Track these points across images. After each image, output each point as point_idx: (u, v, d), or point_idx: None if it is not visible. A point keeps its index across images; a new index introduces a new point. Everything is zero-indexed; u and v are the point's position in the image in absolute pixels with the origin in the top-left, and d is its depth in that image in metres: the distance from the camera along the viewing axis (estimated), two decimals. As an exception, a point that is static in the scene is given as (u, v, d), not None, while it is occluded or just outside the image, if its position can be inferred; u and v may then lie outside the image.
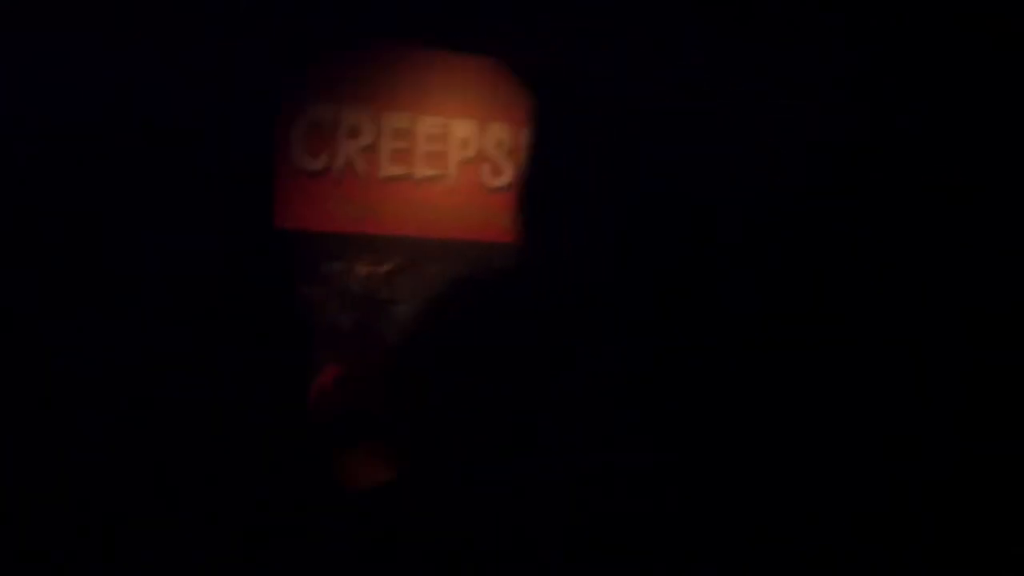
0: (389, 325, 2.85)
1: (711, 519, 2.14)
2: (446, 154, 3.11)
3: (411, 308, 2.87)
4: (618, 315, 2.86)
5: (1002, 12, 2.70)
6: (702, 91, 2.87)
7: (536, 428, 2.46)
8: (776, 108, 2.86)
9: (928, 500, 2.19)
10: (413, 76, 3.08)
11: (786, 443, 2.36)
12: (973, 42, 2.71)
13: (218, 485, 2.32)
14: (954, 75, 2.76)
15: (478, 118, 3.08)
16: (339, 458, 2.35)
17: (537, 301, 2.84)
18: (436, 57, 3.07)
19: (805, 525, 2.13)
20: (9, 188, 2.74)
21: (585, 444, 2.40)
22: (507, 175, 3.10)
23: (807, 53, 2.80)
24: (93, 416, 2.45)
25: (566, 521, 2.18)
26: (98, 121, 2.76)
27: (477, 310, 2.75)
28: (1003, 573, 2.04)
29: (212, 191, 2.84)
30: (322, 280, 2.95)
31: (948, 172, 2.80)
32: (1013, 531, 2.12)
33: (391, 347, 2.71)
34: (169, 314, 2.70)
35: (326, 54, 3.03)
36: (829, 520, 2.13)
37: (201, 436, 2.43)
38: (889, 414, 2.44)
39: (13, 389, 2.52)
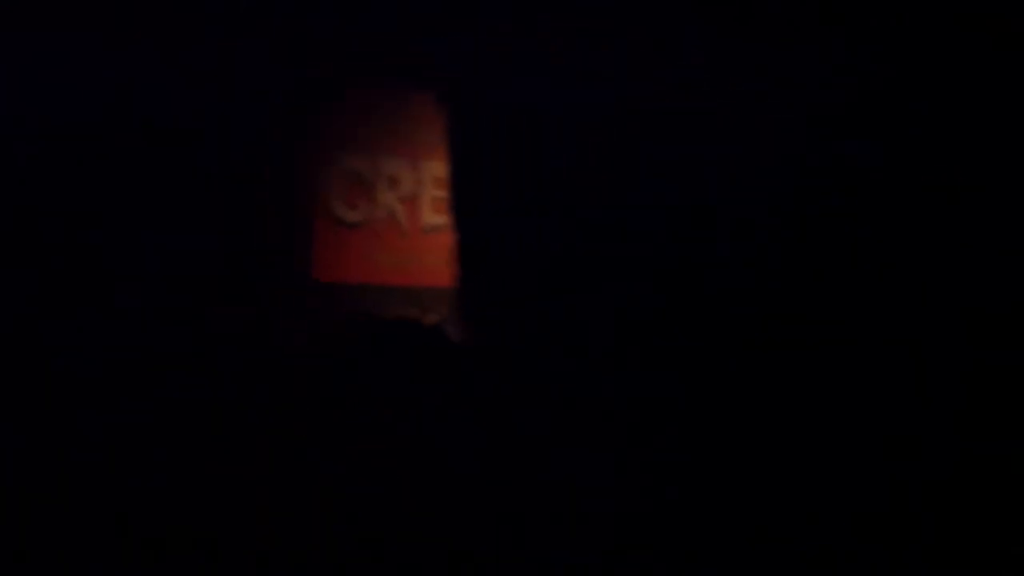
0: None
1: (711, 519, 2.14)
2: (488, 202, 3.08)
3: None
4: (616, 316, 2.86)
5: (1002, 12, 2.70)
6: (702, 91, 2.87)
7: (537, 431, 2.46)
8: (776, 108, 2.86)
9: (928, 500, 2.19)
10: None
11: (786, 443, 2.36)
12: (973, 42, 2.70)
13: (218, 485, 2.32)
14: (954, 75, 2.76)
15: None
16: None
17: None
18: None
19: (805, 525, 2.13)
20: (9, 188, 2.73)
21: (586, 446, 2.40)
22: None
23: (807, 53, 2.79)
24: (93, 416, 2.45)
25: (566, 521, 2.18)
26: (98, 121, 2.76)
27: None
28: (1003, 573, 2.04)
29: (211, 191, 2.84)
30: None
31: (948, 172, 2.80)
32: (1013, 531, 2.12)
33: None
34: (169, 314, 2.70)
35: (361, 104, 3.01)
36: (829, 520, 2.13)
37: (201, 436, 2.43)
38: (889, 414, 2.44)
39: (13, 389, 2.51)
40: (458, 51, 2.98)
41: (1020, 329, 2.65)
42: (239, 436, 2.41)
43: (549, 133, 2.98)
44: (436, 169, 3.03)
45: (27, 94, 2.74)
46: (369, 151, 3.08)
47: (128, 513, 2.27)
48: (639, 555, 2.10)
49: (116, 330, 2.64)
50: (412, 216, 3.10)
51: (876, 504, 2.17)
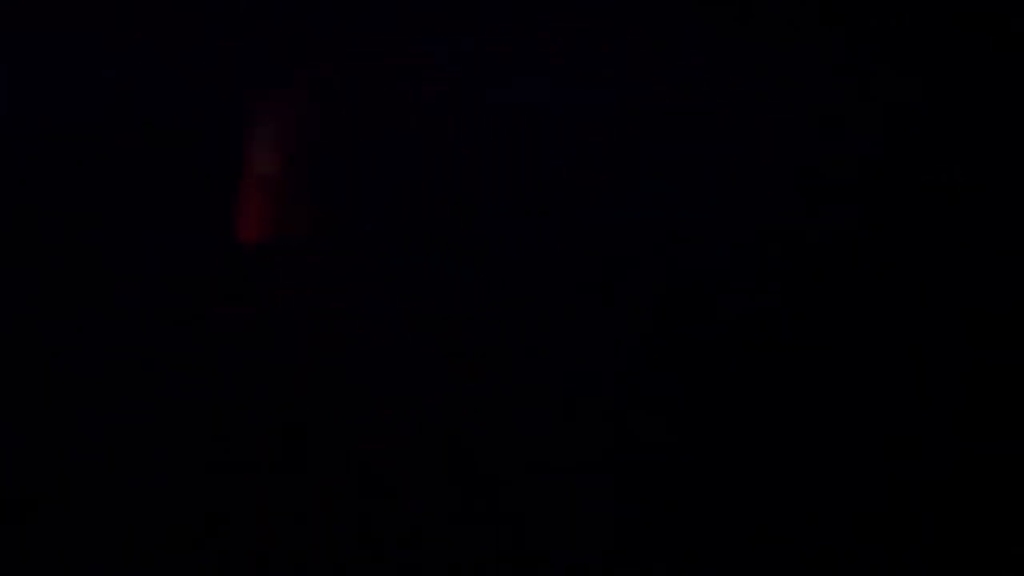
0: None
1: (710, 519, 2.14)
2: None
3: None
4: (615, 316, 2.85)
5: (1002, 12, 2.70)
6: (702, 91, 2.87)
7: (533, 426, 2.46)
8: (776, 108, 2.86)
9: (928, 500, 2.19)
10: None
11: (786, 443, 2.37)
12: (973, 42, 2.70)
13: (218, 485, 2.32)
14: (954, 75, 2.76)
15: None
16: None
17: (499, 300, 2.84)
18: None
19: (805, 525, 2.13)
20: (9, 188, 2.73)
21: (586, 446, 2.39)
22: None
23: (807, 53, 2.79)
24: (93, 416, 2.45)
25: (566, 520, 2.18)
26: (98, 121, 2.76)
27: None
28: (1003, 573, 2.04)
29: (212, 191, 2.84)
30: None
31: (948, 172, 2.80)
32: (1013, 531, 2.12)
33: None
34: (169, 314, 2.70)
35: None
36: (829, 520, 2.13)
37: (201, 436, 2.43)
38: (889, 414, 2.44)
39: (13, 389, 2.51)
40: (458, 51, 2.98)
41: (1020, 329, 2.65)
42: (239, 436, 2.41)
43: (549, 133, 2.98)
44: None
45: (27, 94, 2.74)
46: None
47: (128, 513, 2.27)
48: (638, 555, 2.10)
49: (116, 330, 2.64)
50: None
51: (876, 504, 2.17)
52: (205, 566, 2.16)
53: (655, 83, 2.89)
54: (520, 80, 2.93)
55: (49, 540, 2.22)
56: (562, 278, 3.01)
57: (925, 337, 2.66)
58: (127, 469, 2.35)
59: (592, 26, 2.93)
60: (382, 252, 3.03)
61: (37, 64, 2.76)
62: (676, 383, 2.57)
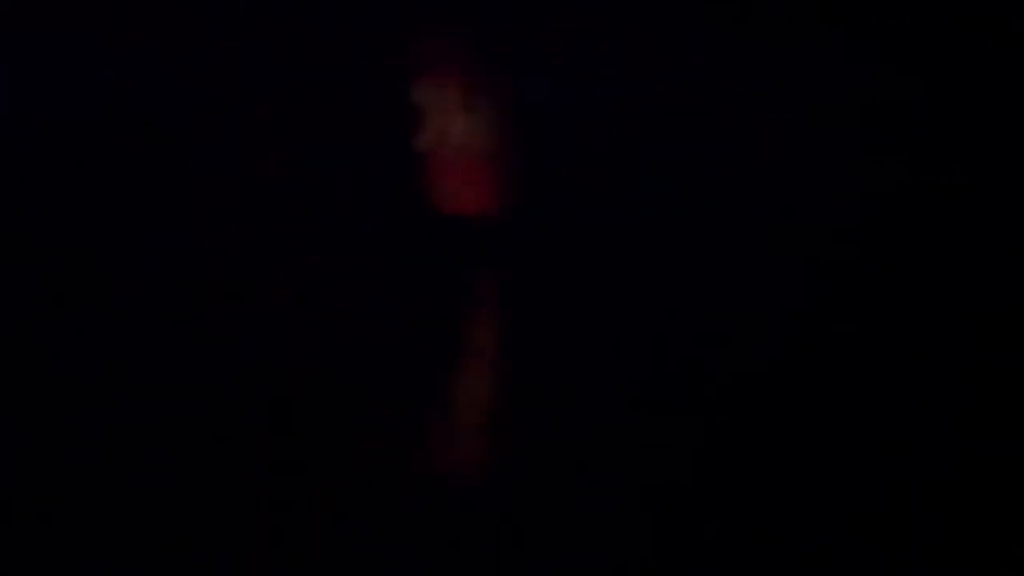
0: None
1: (710, 519, 2.15)
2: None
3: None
4: (615, 315, 2.86)
5: (1002, 12, 2.70)
6: (702, 91, 2.87)
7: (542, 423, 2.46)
8: (776, 108, 2.86)
9: (928, 500, 2.19)
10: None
11: (786, 442, 2.37)
12: (973, 42, 2.71)
13: (218, 485, 2.32)
14: (954, 75, 2.76)
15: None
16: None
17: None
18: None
19: (805, 525, 2.13)
20: (9, 188, 2.74)
21: (586, 445, 2.40)
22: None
23: (807, 53, 2.80)
24: (93, 416, 2.45)
25: (566, 520, 2.18)
26: (98, 121, 2.76)
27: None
28: (1003, 573, 2.05)
29: (211, 191, 2.84)
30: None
31: (948, 172, 2.80)
32: (1013, 531, 2.13)
33: None
34: (169, 314, 2.70)
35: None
36: (829, 520, 2.13)
37: (201, 436, 2.43)
38: (889, 414, 2.45)
39: (13, 389, 2.51)
40: (458, 51, 2.98)
41: (1020, 329, 2.65)
42: (239, 436, 2.41)
43: (549, 133, 2.98)
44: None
45: (27, 94, 2.74)
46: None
47: (128, 513, 2.27)
48: (638, 555, 2.11)
49: (116, 330, 2.64)
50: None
51: (876, 504, 2.17)
52: (205, 566, 2.16)
53: (655, 83, 2.89)
54: (520, 80, 2.93)
55: (49, 540, 2.22)
56: (563, 278, 3.01)
57: (925, 337, 2.66)
58: (127, 469, 2.35)
59: (592, 26, 2.93)
60: (382, 252, 3.03)
61: (37, 64, 2.76)
62: (676, 383, 2.57)
